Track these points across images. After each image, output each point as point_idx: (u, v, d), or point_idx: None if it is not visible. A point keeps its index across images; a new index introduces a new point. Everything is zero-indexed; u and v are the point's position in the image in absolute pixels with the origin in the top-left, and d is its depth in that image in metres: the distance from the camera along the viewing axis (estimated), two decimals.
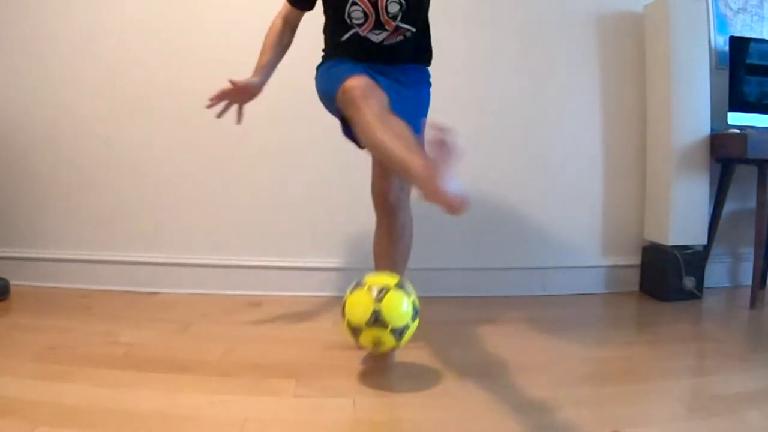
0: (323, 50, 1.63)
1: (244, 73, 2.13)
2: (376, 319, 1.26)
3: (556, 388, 1.38)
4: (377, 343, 1.30)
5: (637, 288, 2.36)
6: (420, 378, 1.42)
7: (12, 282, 2.03)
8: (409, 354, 1.54)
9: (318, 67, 1.61)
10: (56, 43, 2.15)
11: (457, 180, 1.06)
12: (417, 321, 1.35)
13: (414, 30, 1.52)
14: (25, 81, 2.16)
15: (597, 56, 2.32)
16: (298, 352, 1.60)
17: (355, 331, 1.30)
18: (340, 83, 1.35)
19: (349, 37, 1.51)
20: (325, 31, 1.61)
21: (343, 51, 1.53)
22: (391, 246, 1.58)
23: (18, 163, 2.18)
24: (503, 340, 1.74)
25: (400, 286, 1.33)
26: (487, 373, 1.47)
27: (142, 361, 1.47)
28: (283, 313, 1.98)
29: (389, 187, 1.53)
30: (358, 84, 1.32)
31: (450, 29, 2.10)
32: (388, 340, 1.29)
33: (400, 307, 1.29)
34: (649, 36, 2.29)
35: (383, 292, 1.28)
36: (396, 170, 1.30)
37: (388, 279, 1.35)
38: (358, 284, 1.34)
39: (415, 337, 1.44)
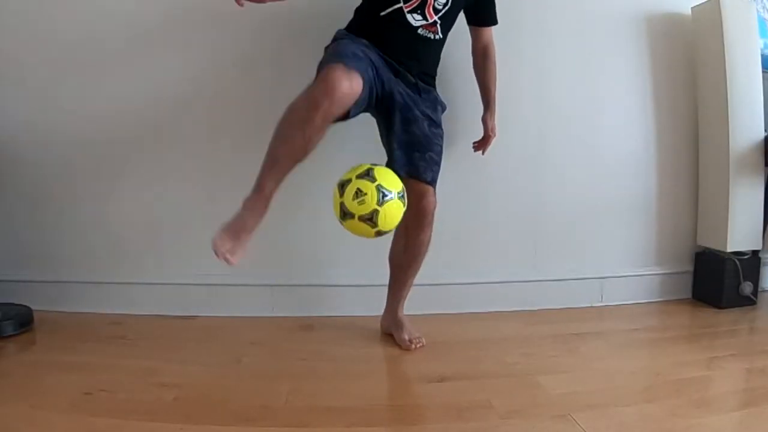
0: (347, 28, 1.59)
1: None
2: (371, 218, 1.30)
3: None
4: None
5: (689, 295, 2.22)
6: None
7: (34, 308, 1.81)
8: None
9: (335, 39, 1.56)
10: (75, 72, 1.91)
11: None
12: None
13: (441, 38, 1.59)
14: (36, 98, 1.93)
15: (646, 58, 2.16)
16: (379, 387, 1.37)
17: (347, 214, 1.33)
18: (335, 61, 1.29)
19: (390, 13, 1.50)
20: (362, 7, 1.60)
21: (375, 30, 1.51)
22: (415, 263, 1.65)
23: (41, 181, 1.96)
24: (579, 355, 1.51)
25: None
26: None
27: (195, 409, 1.23)
28: (342, 338, 1.74)
29: (430, 199, 1.54)
30: (342, 76, 1.25)
31: (499, 31, 1.84)
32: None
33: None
34: (698, 38, 2.17)
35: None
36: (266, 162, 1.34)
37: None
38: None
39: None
